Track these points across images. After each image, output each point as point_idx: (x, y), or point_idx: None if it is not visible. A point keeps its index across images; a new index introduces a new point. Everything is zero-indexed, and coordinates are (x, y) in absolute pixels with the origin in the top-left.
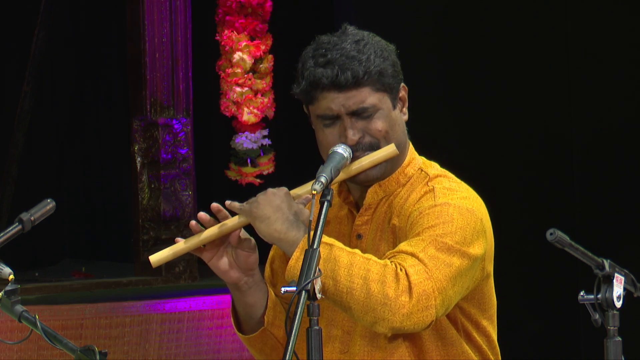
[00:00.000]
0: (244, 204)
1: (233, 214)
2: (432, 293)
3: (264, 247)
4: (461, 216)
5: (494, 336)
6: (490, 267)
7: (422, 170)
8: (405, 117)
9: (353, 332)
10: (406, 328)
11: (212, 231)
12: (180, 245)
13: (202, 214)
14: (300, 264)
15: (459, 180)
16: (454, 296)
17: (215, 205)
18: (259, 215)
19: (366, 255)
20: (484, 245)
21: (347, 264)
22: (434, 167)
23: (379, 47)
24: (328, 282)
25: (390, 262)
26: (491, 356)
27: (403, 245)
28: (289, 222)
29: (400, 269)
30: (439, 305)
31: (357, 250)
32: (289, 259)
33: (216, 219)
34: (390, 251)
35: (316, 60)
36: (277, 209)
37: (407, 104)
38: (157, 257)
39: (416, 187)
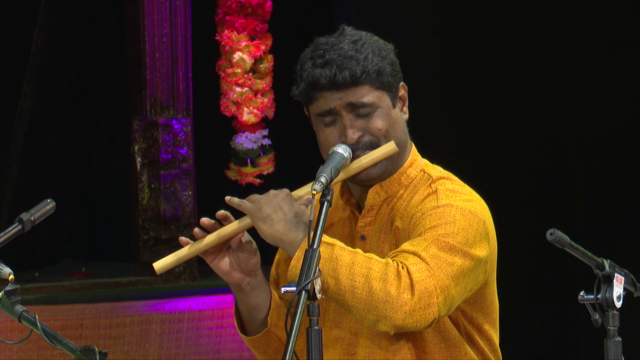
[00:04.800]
0: (244, 201)
1: (237, 216)
2: (434, 291)
3: (267, 248)
4: (464, 218)
5: (496, 340)
6: (493, 272)
7: (424, 172)
8: (406, 116)
9: (360, 334)
10: (408, 326)
11: (214, 236)
12: (184, 251)
13: (205, 220)
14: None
15: (462, 183)
16: (457, 296)
17: (222, 213)
18: (261, 216)
19: (368, 254)
20: (486, 248)
21: (348, 263)
22: (437, 169)
23: (376, 46)
24: (330, 281)
25: (392, 260)
26: (493, 359)
27: (405, 245)
28: (290, 223)
29: (402, 267)
30: (441, 303)
31: (359, 250)
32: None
33: (220, 223)
34: (393, 251)
35: (314, 62)
36: (278, 210)
37: (407, 103)
38: (161, 264)
39: (419, 189)
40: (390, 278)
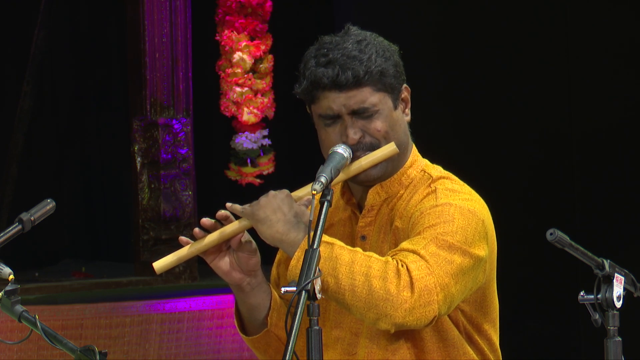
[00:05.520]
0: (246, 206)
1: (237, 217)
2: (434, 288)
3: (268, 248)
4: (462, 216)
5: (496, 340)
6: (493, 272)
7: (425, 171)
8: (408, 118)
9: (360, 334)
10: (409, 324)
11: (214, 236)
12: (184, 251)
13: (205, 220)
14: (300, 264)
15: (462, 183)
16: (457, 294)
17: (222, 213)
18: (261, 218)
19: (367, 253)
20: (485, 247)
21: (348, 261)
22: (437, 169)
23: (381, 47)
24: (329, 280)
25: (392, 258)
26: (492, 358)
27: (404, 244)
28: (289, 223)
29: (402, 265)
30: (441, 301)
31: (358, 249)
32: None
33: (220, 223)
34: (392, 250)
35: (318, 60)
36: (277, 211)
37: (409, 105)
38: (160, 264)
39: (419, 189)
40: (390, 276)
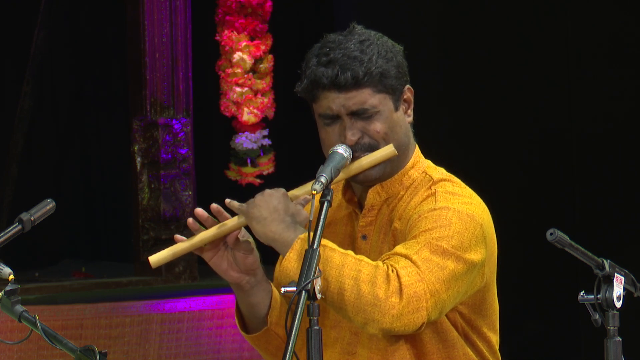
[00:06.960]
0: (243, 204)
1: (233, 213)
2: (423, 295)
3: (268, 247)
4: (460, 221)
5: (495, 342)
6: (493, 275)
7: (426, 173)
8: (410, 119)
9: (359, 334)
10: (396, 329)
11: (211, 232)
12: (180, 245)
13: (199, 210)
14: (293, 265)
15: (464, 185)
16: (449, 300)
17: (215, 206)
18: (255, 216)
19: (359, 256)
20: (482, 252)
21: (338, 264)
22: (439, 171)
23: (384, 47)
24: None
25: (383, 263)
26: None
27: (398, 248)
28: (285, 223)
29: (392, 270)
30: (431, 307)
31: (349, 252)
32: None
33: (216, 218)
34: (386, 253)
35: (319, 59)
36: (273, 210)
37: (412, 106)
38: (156, 258)
39: (419, 191)
40: (379, 281)
